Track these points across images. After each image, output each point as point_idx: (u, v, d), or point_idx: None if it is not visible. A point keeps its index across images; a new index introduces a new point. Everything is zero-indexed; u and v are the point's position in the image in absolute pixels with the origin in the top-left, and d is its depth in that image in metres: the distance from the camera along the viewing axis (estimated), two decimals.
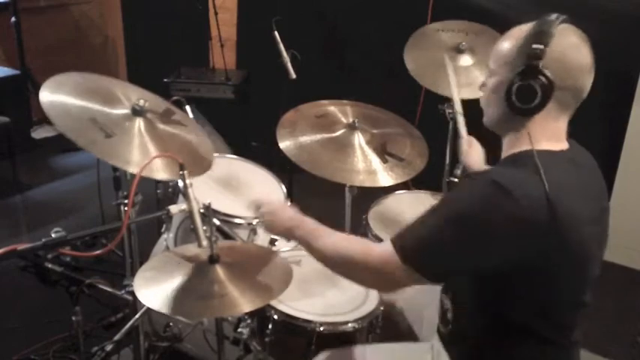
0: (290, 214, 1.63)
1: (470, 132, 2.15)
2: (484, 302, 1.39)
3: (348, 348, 1.77)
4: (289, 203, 2.31)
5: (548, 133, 1.40)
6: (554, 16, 1.38)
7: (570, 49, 1.35)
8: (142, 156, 1.68)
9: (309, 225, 1.57)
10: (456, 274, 1.40)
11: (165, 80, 3.94)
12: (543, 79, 1.33)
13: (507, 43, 1.41)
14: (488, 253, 1.30)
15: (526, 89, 1.35)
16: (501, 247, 1.29)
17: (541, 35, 1.35)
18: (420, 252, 1.33)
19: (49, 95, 1.70)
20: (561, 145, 1.42)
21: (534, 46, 1.34)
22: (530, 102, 1.36)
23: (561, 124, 1.41)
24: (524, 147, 1.39)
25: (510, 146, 1.44)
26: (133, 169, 1.62)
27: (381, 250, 1.38)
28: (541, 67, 1.33)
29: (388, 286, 1.50)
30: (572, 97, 1.38)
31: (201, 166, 1.85)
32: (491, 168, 1.33)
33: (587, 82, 1.38)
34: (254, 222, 2.13)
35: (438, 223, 1.33)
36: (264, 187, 2.37)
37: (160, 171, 1.66)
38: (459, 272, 1.38)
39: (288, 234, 1.60)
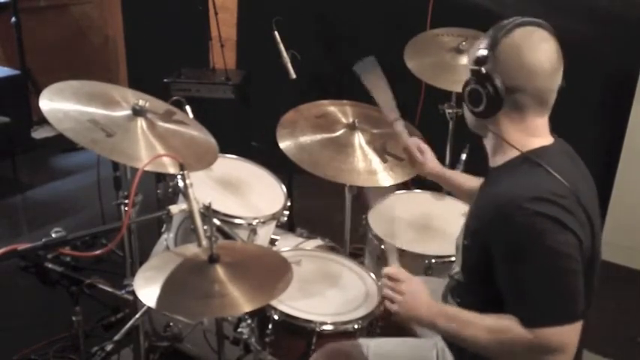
0: (427, 301, 1.48)
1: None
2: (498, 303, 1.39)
3: (352, 342, 1.75)
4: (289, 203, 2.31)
5: (525, 133, 1.42)
6: (511, 19, 1.40)
7: (522, 51, 1.37)
8: (148, 152, 1.69)
9: (450, 312, 1.47)
10: None
11: (165, 80, 3.94)
12: (488, 83, 1.37)
13: (473, 47, 1.46)
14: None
15: (475, 93, 1.40)
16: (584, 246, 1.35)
17: (488, 40, 1.39)
18: (578, 299, 1.33)
19: (48, 103, 1.71)
20: (546, 139, 1.45)
21: (480, 52, 1.39)
22: (479, 104, 1.40)
23: (537, 122, 1.43)
24: (513, 150, 1.42)
25: (497, 151, 1.47)
26: (137, 164, 1.63)
27: (554, 333, 1.31)
28: (485, 71, 1.37)
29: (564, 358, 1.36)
30: (531, 99, 1.40)
31: (206, 160, 1.86)
32: (511, 195, 1.33)
33: (546, 82, 1.39)
34: (254, 222, 2.14)
35: (559, 273, 1.32)
36: (264, 187, 2.37)
37: (166, 165, 1.66)
38: None
39: (426, 322, 1.48)
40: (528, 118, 1.42)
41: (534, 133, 1.43)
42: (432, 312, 1.46)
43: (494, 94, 1.38)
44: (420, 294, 1.49)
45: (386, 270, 1.56)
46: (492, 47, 1.38)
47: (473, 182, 1.94)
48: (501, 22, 1.41)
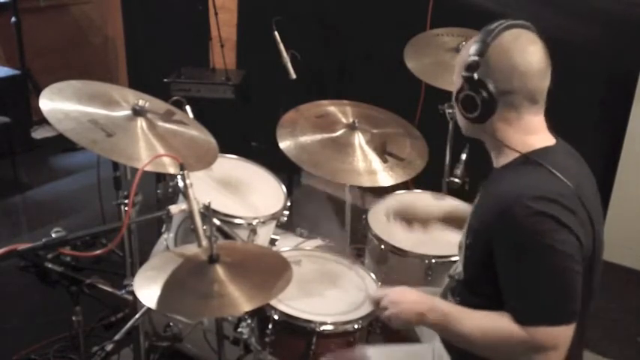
0: (414, 297, 1.51)
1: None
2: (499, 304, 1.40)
3: (349, 350, 1.78)
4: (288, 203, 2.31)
5: (522, 132, 1.43)
6: (497, 23, 1.41)
7: (512, 54, 1.38)
8: (148, 152, 1.69)
9: (442, 307, 1.47)
10: None
11: (165, 80, 3.94)
12: (481, 88, 1.39)
13: (462, 53, 1.46)
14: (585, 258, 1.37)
15: (469, 99, 1.42)
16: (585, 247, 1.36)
17: (477, 46, 1.40)
18: (575, 300, 1.33)
19: (48, 103, 1.71)
20: (547, 139, 1.45)
21: (470, 58, 1.40)
22: (474, 111, 1.41)
23: (533, 120, 1.44)
24: (515, 152, 1.42)
25: (498, 153, 1.48)
26: (137, 165, 1.62)
27: (548, 332, 1.32)
28: (477, 77, 1.39)
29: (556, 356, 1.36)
30: (524, 99, 1.41)
31: (206, 160, 1.86)
32: (514, 194, 1.33)
33: (538, 83, 1.40)
34: (254, 222, 2.14)
35: (558, 273, 1.32)
36: (264, 187, 2.37)
37: (166, 165, 1.66)
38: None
39: (419, 320, 1.49)
40: (524, 116, 1.42)
41: (532, 131, 1.44)
42: (420, 308, 1.47)
43: (488, 98, 1.39)
44: (401, 299, 1.51)
45: (370, 299, 1.69)
46: (482, 53, 1.39)
47: None
48: (488, 26, 1.42)
